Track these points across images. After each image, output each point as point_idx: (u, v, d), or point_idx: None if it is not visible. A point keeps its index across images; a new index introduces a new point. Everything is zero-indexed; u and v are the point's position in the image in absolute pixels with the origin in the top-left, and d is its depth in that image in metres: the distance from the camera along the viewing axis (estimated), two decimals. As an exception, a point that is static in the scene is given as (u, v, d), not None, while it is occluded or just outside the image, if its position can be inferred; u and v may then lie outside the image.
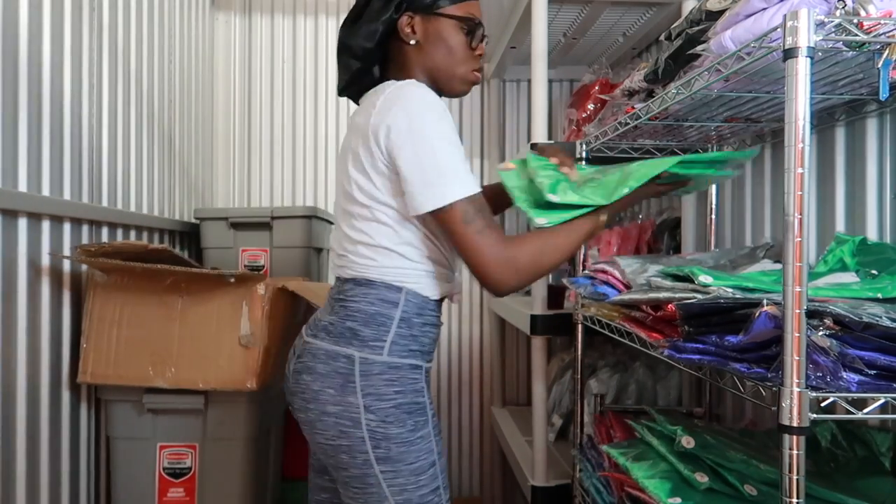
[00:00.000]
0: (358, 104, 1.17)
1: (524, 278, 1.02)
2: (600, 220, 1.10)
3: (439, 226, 1.03)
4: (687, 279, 1.01)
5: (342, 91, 1.20)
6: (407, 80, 1.06)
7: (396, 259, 1.07)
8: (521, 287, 1.04)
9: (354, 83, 1.16)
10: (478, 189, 1.01)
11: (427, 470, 1.07)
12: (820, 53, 0.85)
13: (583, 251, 1.66)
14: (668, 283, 1.05)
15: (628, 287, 1.21)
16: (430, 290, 1.11)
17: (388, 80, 1.12)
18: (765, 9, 0.91)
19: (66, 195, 1.42)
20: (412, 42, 1.11)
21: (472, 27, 1.13)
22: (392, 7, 1.10)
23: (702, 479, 1.08)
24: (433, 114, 1.01)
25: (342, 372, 1.06)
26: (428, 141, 1.00)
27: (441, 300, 1.14)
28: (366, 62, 1.13)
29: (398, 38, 1.12)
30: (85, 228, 1.50)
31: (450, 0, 1.12)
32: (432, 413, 1.11)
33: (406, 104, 1.01)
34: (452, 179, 0.99)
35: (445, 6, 1.11)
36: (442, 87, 1.15)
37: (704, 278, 0.96)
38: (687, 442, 1.12)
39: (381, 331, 1.08)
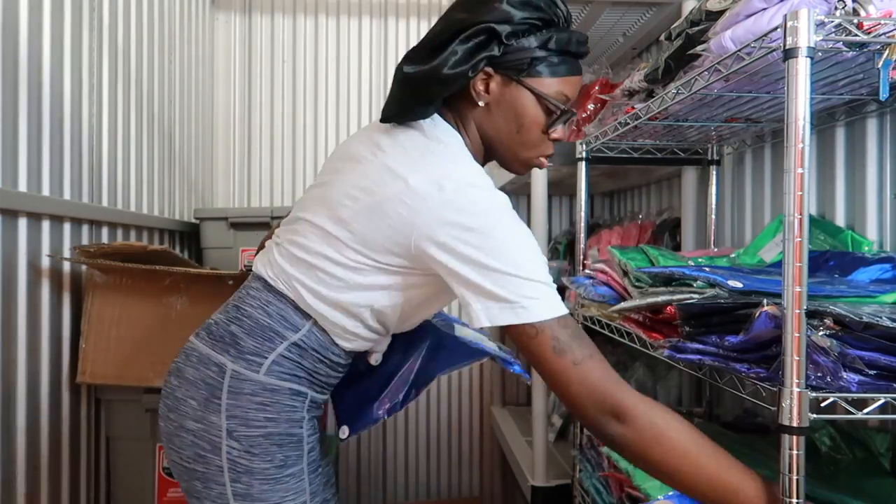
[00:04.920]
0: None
1: (633, 441, 0.79)
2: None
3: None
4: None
5: (388, 120, 0.96)
6: (466, 179, 0.86)
7: (338, 312, 0.93)
8: (628, 450, 0.81)
9: (405, 115, 0.94)
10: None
11: None
12: (820, 53, 0.85)
13: (583, 250, 1.66)
14: (664, 287, 1.05)
15: (625, 289, 1.21)
16: (347, 342, 0.97)
17: (442, 120, 0.95)
18: (765, 9, 0.91)
19: (66, 195, 1.42)
20: (480, 103, 0.93)
21: (560, 112, 0.93)
22: (477, 59, 0.88)
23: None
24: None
25: (209, 382, 0.91)
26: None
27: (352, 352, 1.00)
28: (428, 102, 0.92)
29: (466, 92, 0.93)
30: (85, 228, 1.50)
31: (549, 71, 0.91)
32: (310, 447, 0.95)
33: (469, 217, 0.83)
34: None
35: (540, 77, 0.91)
36: (496, 159, 0.99)
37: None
38: None
39: (264, 346, 0.92)
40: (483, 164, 0.99)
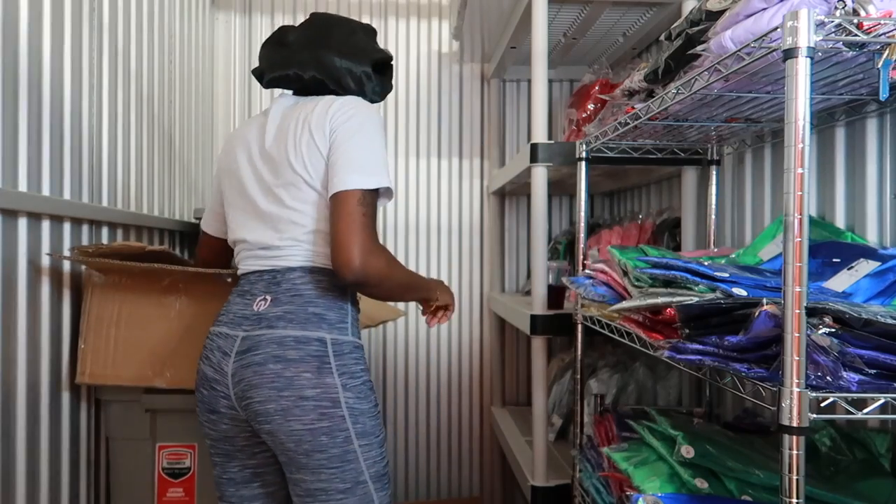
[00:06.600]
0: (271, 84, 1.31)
1: (374, 278, 1.11)
2: (433, 294, 1.33)
3: (338, 203, 1.10)
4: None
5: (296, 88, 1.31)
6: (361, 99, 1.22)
7: (328, 244, 1.15)
8: (365, 283, 1.12)
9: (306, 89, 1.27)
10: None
11: (384, 443, 1.19)
12: (820, 54, 0.85)
13: (583, 250, 1.66)
14: (664, 288, 1.05)
15: (625, 289, 1.20)
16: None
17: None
18: (765, 9, 0.91)
19: (66, 195, 1.42)
20: None
21: None
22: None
23: (702, 485, 1.08)
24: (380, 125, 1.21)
25: (316, 355, 1.12)
26: (372, 138, 1.15)
27: None
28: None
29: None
30: (85, 228, 1.50)
31: None
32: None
33: (362, 110, 1.18)
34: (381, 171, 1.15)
35: None
36: None
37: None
38: (686, 452, 1.12)
39: (342, 313, 1.18)
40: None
